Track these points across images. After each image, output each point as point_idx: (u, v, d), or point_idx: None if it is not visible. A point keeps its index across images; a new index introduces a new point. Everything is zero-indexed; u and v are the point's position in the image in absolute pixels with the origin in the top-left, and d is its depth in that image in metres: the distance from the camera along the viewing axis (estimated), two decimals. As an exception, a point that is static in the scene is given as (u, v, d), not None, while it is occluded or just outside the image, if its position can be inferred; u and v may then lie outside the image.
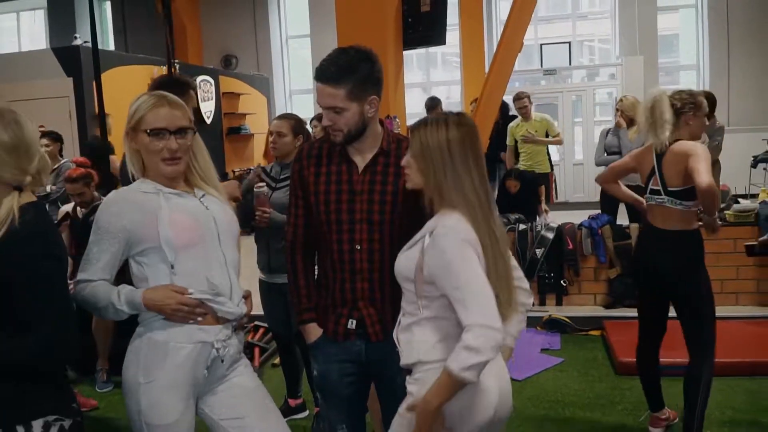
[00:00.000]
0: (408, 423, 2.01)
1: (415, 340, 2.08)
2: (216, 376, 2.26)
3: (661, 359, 3.81)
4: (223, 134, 11.90)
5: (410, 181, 2.14)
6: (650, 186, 3.55)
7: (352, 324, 2.38)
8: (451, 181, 2.04)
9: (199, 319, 2.16)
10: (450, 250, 1.96)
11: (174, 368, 2.15)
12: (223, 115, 11.92)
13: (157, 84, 3.31)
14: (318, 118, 3.84)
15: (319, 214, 2.38)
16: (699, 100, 3.47)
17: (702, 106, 3.48)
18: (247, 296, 2.36)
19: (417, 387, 2.04)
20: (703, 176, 3.21)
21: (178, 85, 3.27)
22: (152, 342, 2.17)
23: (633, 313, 5.78)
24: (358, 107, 2.25)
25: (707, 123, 3.60)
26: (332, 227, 2.35)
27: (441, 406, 1.93)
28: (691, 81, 12.58)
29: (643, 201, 3.66)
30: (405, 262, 2.10)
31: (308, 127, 5.30)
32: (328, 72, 2.21)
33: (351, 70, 2.20)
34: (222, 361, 2.25)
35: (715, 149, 6.25)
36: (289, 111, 13.92)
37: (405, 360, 2.12)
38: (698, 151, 3.31)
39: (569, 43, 12.98)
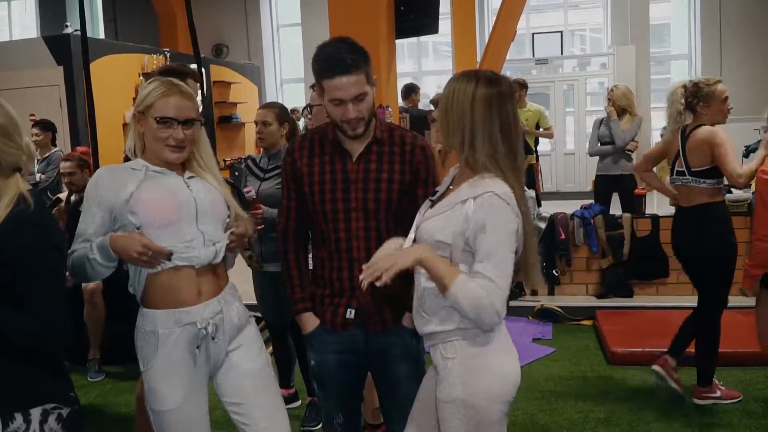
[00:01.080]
0: (459, 409, 1.97)
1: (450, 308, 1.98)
2: (216, 354, 2.27)
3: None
4: (214, 123, 11.84)
5: (436, 137, 2.16)
6: (676, 168, 3.87)
7: (350, 313, 2.37)
8: (479, 143, 1.97)
9: (166, 264, 2.15)
10: (496, 221, 1.91)
11: (165, 355, 2.18)
12: (215, 105, 11.85)
13: (162, 73, 3.27)
14: (311, 107, 3.79)
15: (314, 205, 2.37)
16: (707, 91, 3.76)
17: (712, 95, 3.76)
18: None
19: (451, 356, 2.00)
20: (731, 168, 3.63)
21: (179, 74, 3.23)
22: (143, 332, 2.22)
23: (625, 302, 5.87)
24: (372, 91, 2.28)
25: (728, 107, 3.83)
26: (328, 217, 2.35)
27: (415, 265, 1.94)
28: (682, 71, 12.60)
29: (674, 192, 3.95)
30: (440, 224, 1.99)
31: (302, 117, 5.24)
32: (346, 62, 2.18)
33: (362, 56, 2.22)
34: (213, 338, 2.24)
35: None
36: (280, 100, 13.89)
37: (437, 327, 2.03)
38: (717, 139, 3.67)
39: (561, 32, 12.96)
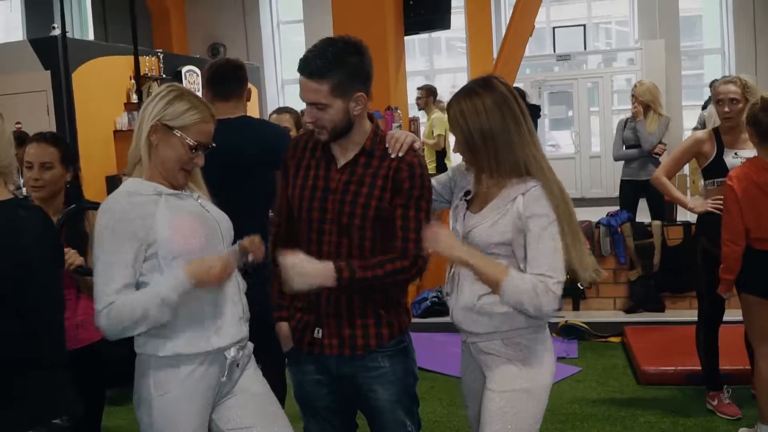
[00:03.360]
0: (521, 399, 2.27)
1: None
2: (230, 383, 2.30)
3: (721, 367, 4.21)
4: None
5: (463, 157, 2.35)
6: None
7: (318, 333, 2.38)
8: (503, 151, 2.24)
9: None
10: (545, 212, 2.20)
11: (189, 380, 2.18)
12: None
13: (215, 70, 3.37)
14: None
15: (293, 210, 2.40)
16: (714, 90, 4.07)
17: (715, 95, 4.00)
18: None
19: (513, 350, 2.31)
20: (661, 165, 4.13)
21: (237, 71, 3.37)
22: (159, 358, 2.19)
23: (656, 317, 5.85)
24: (343, 104, 2.23)
25: (724, 110, 3.97)
26: (303, 226, 2.37)
27: (461, 261, 2.21)
28: (716, 66, 12.56)
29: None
30: (496, 229, 2.25)
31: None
32: (312, 65, 2.20)
33: (337, 65, 2.19)
34: (237, 365, 2.29)
35: None
36: (281, 102, 13.95)
37: (494, 326, 2.29)
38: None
39: (584, 25, 12.98)
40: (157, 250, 2.13)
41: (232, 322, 2.26)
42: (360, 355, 2.36)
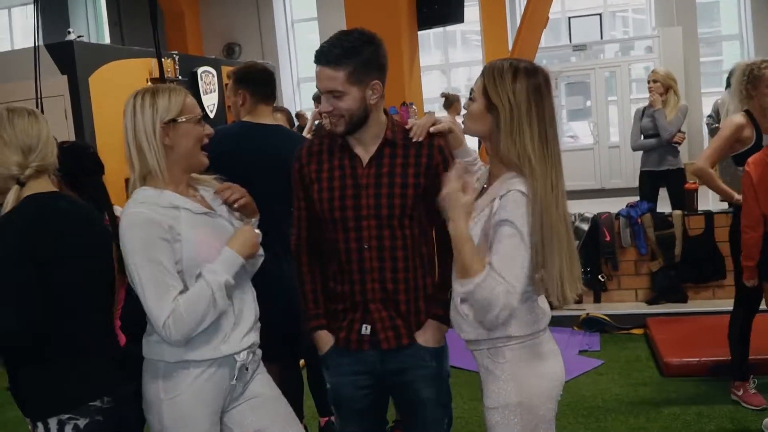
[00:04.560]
0: (514, 413, 2.14)
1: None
2: (240, 386, 2.31)
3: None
4: (229, 129, 11.93)
5: (467, 128, 2.22)
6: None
7: (366, 329, 2.37)
8: (518, 139, 2.08)
9: None
10: (513, 216, 2.04)
11: (198, 382, 2.19)
12: (228, 109, 11.96)
13: (257, 72, 3.47)
14: (317, 98, 3.85)
15: (323, 213, 2.38)
16: (758, 73, 3.92)
17: (761, 78, 3.91)
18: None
19: (501, 361, 2.17)
20: (704, 152, 3.99)
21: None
22: (168, 363, 2.20)
23: (678, 308, 5.81)
24: (359, 92, 2.26)
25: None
26: (338, 226, 2.36)
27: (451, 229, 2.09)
28: (734, 52, 12.42)
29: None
30: (475, 231, 2.13)
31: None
32: (328, 54, 2.23)
33: (353, 53, 2.22)
34: (247, 369, 2.30)
35: None
36: (297, 100, 14.02)
37: (484, 334, 2.17)
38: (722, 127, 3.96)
39: (600, 14, 12.87)
40: (183, 268, 2.15)
41: (242, 329, 2.28)
42: (407, 348, 2.36)
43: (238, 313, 2.26)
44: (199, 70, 10.88)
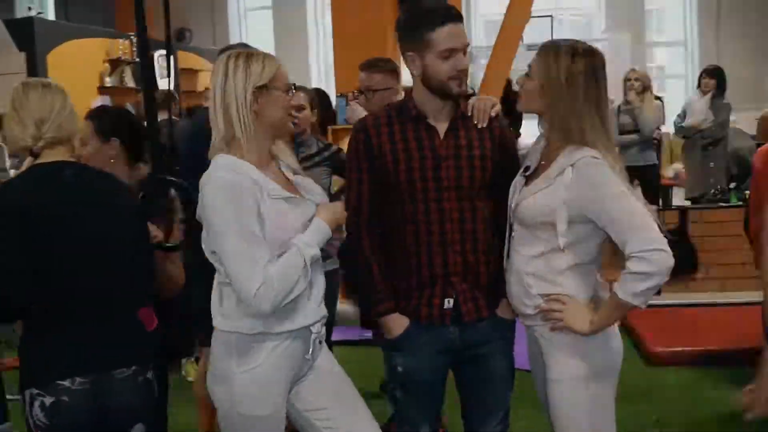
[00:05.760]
0: (583, 385, 2.19)
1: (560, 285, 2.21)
2: (310, 361, 2.29)
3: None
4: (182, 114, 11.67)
5: (524, 104, 2.28)
6: None
7: (449, 303, 2.35)
8: (578, 115, 2.15)
9: None
10: (602, 180, 2.09)
11: (275, 355, 2.16)
12: (182, 93, 11.69)
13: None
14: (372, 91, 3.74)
15: (399, 185, 2.34)
16: None
17: None
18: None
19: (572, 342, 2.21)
20: None
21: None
22: (243, 335, 2.16)
23: (653, 301, 5.89)
24: None
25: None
26: (417, 197, 2.33)
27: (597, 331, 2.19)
28: (678, 59, 12.86)
29: None
30: (541, 202, 2.17)
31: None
32: (453, 11, 2.27)
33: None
34: (320, 342, 2.29)
35: (719, 127, 6.52)
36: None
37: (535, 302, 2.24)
38: None
39: (551, 17, 13.11)
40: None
41: (316, 300, 2.26)
42: (486, 318, 2.39)
43: (310, 285, 2.22)
44: (156, 54, 10.58)
